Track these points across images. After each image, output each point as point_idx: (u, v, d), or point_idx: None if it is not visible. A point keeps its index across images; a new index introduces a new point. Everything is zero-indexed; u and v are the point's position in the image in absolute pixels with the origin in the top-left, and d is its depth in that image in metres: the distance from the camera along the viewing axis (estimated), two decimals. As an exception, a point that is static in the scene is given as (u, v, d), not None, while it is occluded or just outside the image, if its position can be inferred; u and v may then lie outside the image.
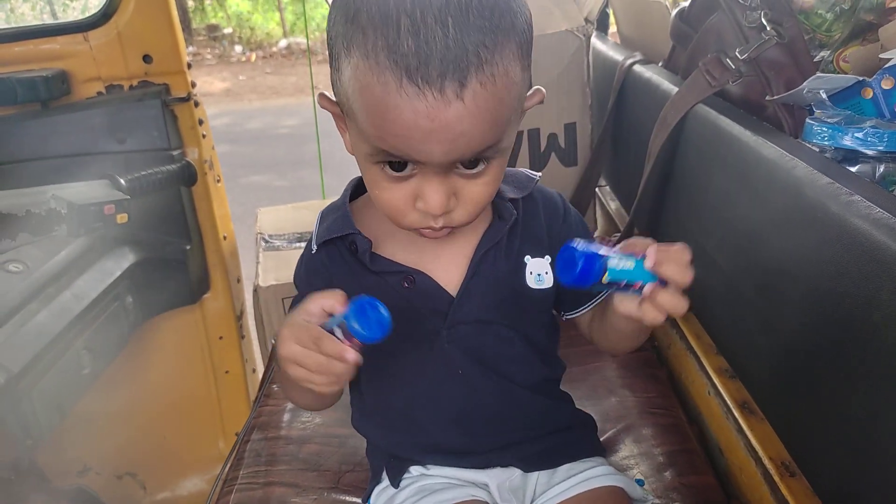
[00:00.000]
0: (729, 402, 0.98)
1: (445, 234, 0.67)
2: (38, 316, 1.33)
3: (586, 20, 1.53)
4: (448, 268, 0.74)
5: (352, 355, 0.59)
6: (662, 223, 1.30)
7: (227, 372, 1.88)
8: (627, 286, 0.61)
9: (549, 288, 0.76)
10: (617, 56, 1.64)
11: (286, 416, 1.17)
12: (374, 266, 0.73)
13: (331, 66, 0.64)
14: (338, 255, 0.75)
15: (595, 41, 1.87)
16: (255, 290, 1.58)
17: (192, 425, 1.89)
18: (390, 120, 0.56)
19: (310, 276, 0.77)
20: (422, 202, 0.62)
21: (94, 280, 1.49)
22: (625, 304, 0.62)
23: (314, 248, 0.76)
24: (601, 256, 0.59)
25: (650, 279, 0.60)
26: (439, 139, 0.57)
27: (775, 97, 1.01)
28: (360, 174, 0.71)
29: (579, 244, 0.60)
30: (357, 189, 0.78)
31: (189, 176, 1.63)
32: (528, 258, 0.75)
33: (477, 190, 0.64)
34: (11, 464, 1.25)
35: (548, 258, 0.75)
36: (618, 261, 0.60)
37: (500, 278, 0.74)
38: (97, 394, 1.56)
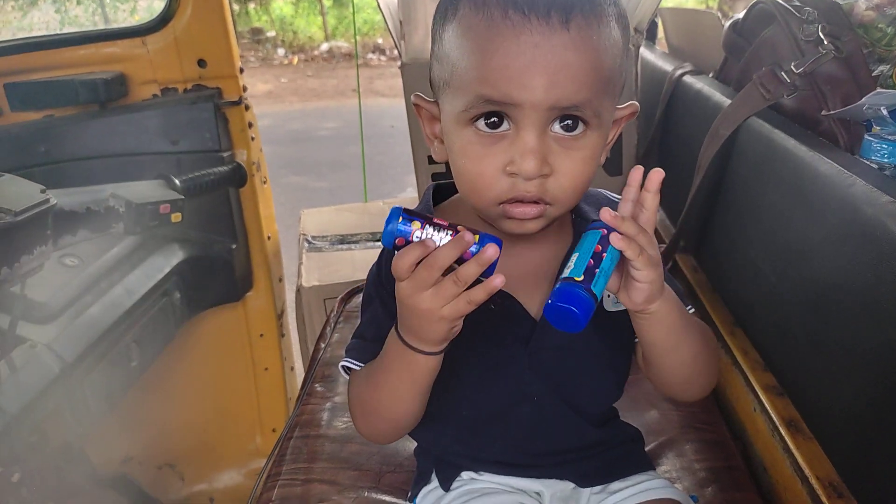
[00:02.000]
0: (776, 419, 0.97)
1: (534, 215, 0.62)
2: (91, 309, 1.38)
3: (635, 30, 1.53)
4: (531, 291, 0.71)
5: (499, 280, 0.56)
6: (709, 237, 1.29)
7: (266, 369, 1.91)
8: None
9: (626, 309, 0.74)
10: (666, 66, 1.63)
11: (326, 415, 1.18)
12: None
13: (431, 55, 0.64)
14: None
15: (643, 50, 1.86)
16: (298, 290, 1.61)
17: (230, 420, 1.93)
18: (492, 52, 0.56)
19: (382, 282, 0.73)
20: (514, 164, 0.59)
21: (144, 276, 1.54)
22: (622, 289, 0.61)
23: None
24: (583, 293, 0.57)
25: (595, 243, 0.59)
26: (542, 68, 0.56)
27: (832, 112, 1.00)
28: (415, 180, 0.70)
29: (555, 296, 0.57)
30: (436, 198, 0.76)
31: (239, 177, 1.67)
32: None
33: (572, 164, 0.61)
34: (62, 450, 1.29)
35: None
36: (568, 266, 0.58)
37: None
38: (142, 385, 1.61)
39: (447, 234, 0.57)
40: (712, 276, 1.31)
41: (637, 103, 0.68)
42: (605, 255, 0.58)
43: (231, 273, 1.77)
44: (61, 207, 1.12)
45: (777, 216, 0.96)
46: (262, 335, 1.89)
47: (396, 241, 0.57)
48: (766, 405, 1.00)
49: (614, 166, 1.61)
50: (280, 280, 1.93)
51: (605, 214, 0.58)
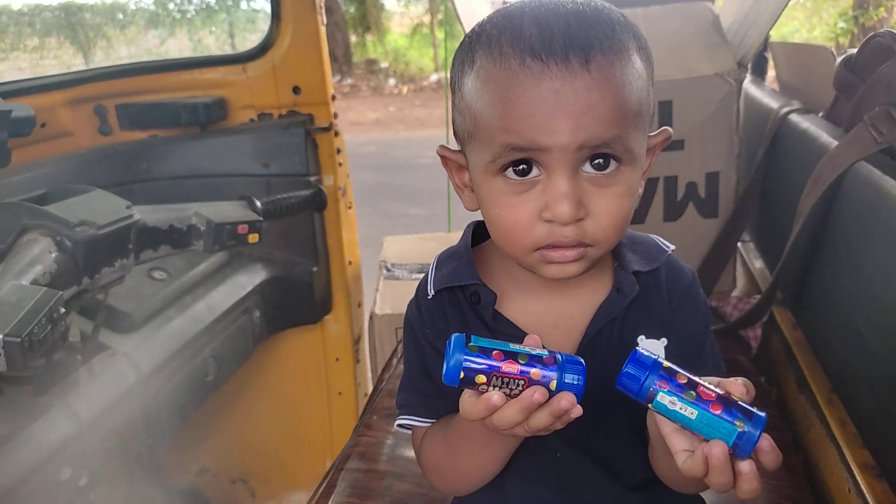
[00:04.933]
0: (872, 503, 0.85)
1: (574, 258, 0.60)
2: (173, 322, 1.43)
3: (739, 64, 1.43)
4: (562, 340, 0.68)
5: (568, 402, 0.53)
6: (810, 291, 1.17)
7: (339, 393, 1.91)
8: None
9: None
10: (772, 103, 1.52)
11: (382, 449, 1.16)
12: (495, 324, 0.68)
13: (452, 107, 0.63)
14: (455, 304, 0.70)
15: (749, 86, 1.75)
16: (371, 316, 1.60)
17: (303, 442, 1.94)
18: (514, 100, 0.55)
19: (424, 322, 0.72)
20: (548, 210, 0.58)
21: (226, 293, 1.59)
22: (672, 441, 0.54)
23: (431, 292, 0.70)
24: (647, 383, 0.52)
25: (714, 435, 0.50)
26: (566, 113, 0.55)
27: (956, 159, 0.88)
28: (480, 217, 0.68)
29: (648, 355, 0.53)
30: (475, 236, 0.74)
31: (320, 202, 1.69)
32: (641, 338, 0.66)
33: (608, 202, 0.58)
34: (134, 459, 1.33)
35: (664, 340, 0.66)
36: (674, 400, 0.51)
37: (612, 359, 0.66)
38: (221, 400, 1.64)
39: (517, 384, 0.53)
40: (811, 335, 1.19)
41: (670, 129, 0.65)
42: (692, 413, 0.51)
43: (310, 295, 1.79)
44: (145, 223, 1.16)
45: (882, 275, 0.85)
46: (337, 359, 1.89)
47: (462, 383, 0.54)
48: (863, 486, 0.88)
49: (710, 208, 1.51)
50: (359, 305, 1.94)
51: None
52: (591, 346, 0.67)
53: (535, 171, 0.58)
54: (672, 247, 0.70)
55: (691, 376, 0.53)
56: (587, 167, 0.58)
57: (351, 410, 1.94)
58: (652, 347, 0.64)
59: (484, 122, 0.58)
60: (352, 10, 12.25)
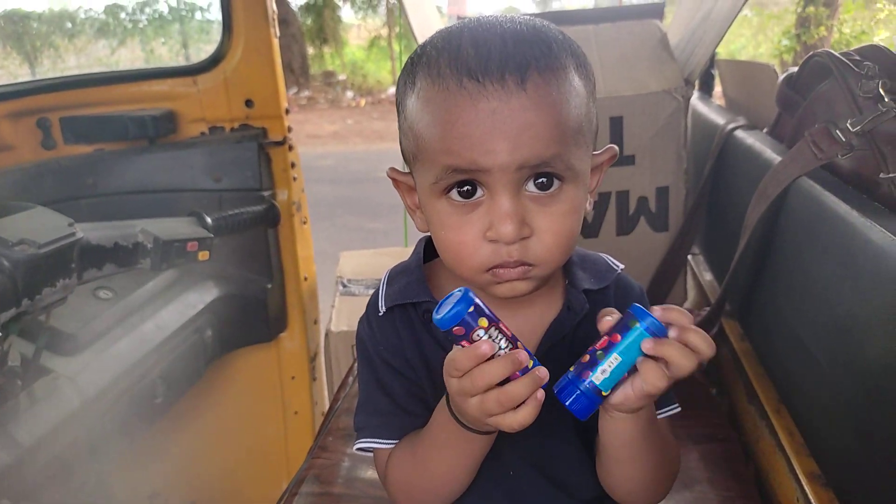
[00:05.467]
0: (820, 514, 0.87)
1: (519, 277, 0.60)
2: (119, 343, 1.38)
3: (686, 81, 1.46)
4: None
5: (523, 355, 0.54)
6: (757, 303, 1.20)
7: (296, 413, 1.88)
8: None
9: None
10: (718, 119, 1.56)
11: (338, 471, 1.14)
12: (447, 341, 0.66)
13: (399, 127, 0.63)
14: (407, 320, 0.69)
15: (696, 102, 1.79)
16: (328, 333, 1.58)
17: (258, 463, 1.90)
18: (452, 122, 0.55)
19: (377, 339, 0.70)
20: (492, 230, 0.57)
21: (176, 312, 1.54)
22: (618, 395, 0.57)
23: (382, 309, 0.69)
24: (586, 389, 0.56)
25: (636, 350, 0.55)
26: (503, 133, 0.54)
27: (891, 175, 0.91)
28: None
29: (571, 373, 0.57)
30: (427, 252, 0.73)
31: (273, 217, 1.67)
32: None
33: (551, 220, 0.59)
34: (79, 486, 1.28)
35: (615, 356, 0.68)
36: (603, 370, 0.55)
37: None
38: (172, 422, 1.59)
39: (507, 345, 0.55)
40: (759, 346, 1.21)
41: (615, 147, 0.66)
42: (615, 358, 0.56)
43: (265, 313, 1.76)
44: (88, 241, 1.13)
45: (826, 288, 0.87)
46: (293, 378, 1.86)
47: (454, 329, 0.54)
48: (810, 496, 0.89)
49: (660, 222, 1.54)
50: (315, 322, 1.91)
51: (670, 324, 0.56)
52: (543, 362, 0.66)
53: (479, 192, 0.58)
54: (621, 266, 0.71)
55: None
56: (530, 186, 0.58)
57: (308, 430, 1.91)
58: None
59: (425, 144, 0.58)
60: (309, 21, 12.20)
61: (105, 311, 1.40)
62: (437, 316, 0.54)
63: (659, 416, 0.67)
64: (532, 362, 0.55)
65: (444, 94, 0.56)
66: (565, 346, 0.67)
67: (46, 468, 1.18)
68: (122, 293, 1.46)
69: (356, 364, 1.39)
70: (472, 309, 0.53)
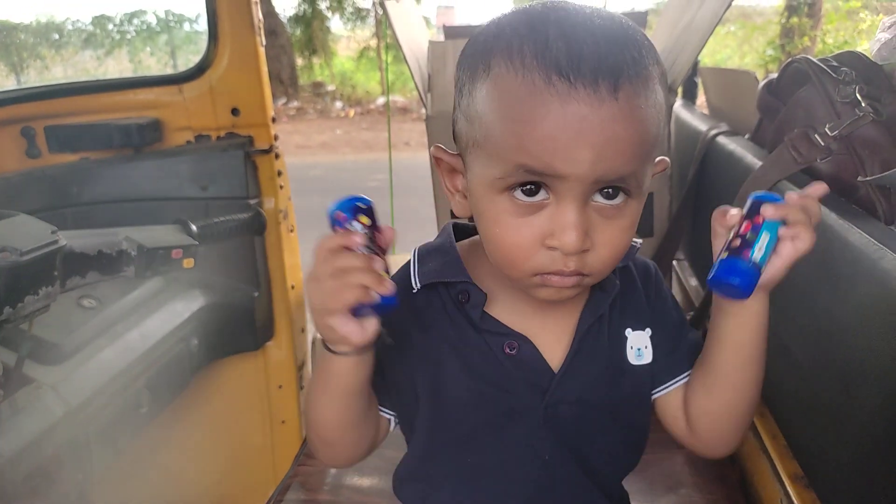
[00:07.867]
0: (803, 516, 0.87)
1: (572, 285, 0.58)
2: (103, 352, 1.37)
3: (669, 88, 1.48)
4: (551, 340, 0.66)
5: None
6: (740, 306, 1.21)
7: (283, 422, 1.87)
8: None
9: (648, 364, 0.68)
10: (701, 126, 1.57)
11: (324, 478, 1.13)
12: (482, 323, 0.66)
13: (456, 107, 0.60)
14: (439, 301, 0.67)
15: (679, 109, 1.81)
16: (314, 342, 1.57)
17: (244, 472, 1.88)
18: (535, 122, 0.52)
19: (405, 315, 0.67)
20: (554, 238, 0.55)
21: (162, 320, 1.53)
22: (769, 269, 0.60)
23: (417, 286, 0.67)
24: (749, 266, 0.59)
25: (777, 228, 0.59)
26: (589, 141, 0.51)
27: (869, 178, 0.93)
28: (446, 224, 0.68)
29: (725, 259, 0.59)
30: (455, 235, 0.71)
31: (259, 225, 1.67)
32: (628, 331, 0.68)
33: (612, 234, 0.57)
34: (62, 497, 1.27)
35: (648, 331, 0.68)
36: (759, 247, 0.59)
37: (602, 355, 0.67)
38: (157, 432, 1.58)
39: (368, 250, 0.57)
40: (743, 349, 1.22)
41: (667, 159, 0.63)
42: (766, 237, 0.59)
43: (251, 321, 1.75)
44: (71, 249, 1.12)
45: (804, 288, 0.88)
46: (280, 387, 1.85)
47: (337, 214, 0.59)
48: (794, 497, 0.90)
49: (645, 227, 1.55)
50: (302, 331, 1.90)
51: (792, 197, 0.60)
52: (582, 345, 0.67)
53: (543, 194, 0.56)
54: (640, 241, 0.69)
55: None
56: (597, 196, 0.56)
57: (295, 439, 1.90)
58: (639, 339, 0.69)
59: (496, 136, 0.55)
60: (298, 32, 12.23)
61: (89, 319, 1.39)
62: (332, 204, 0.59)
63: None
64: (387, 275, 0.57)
65: (529, 88, 0.52)
66: (602, 325, 0.67)
67: (29, 479, 1.16)
68: (107, 302, 1.45)
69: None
70: (364, 207, 0.58)
